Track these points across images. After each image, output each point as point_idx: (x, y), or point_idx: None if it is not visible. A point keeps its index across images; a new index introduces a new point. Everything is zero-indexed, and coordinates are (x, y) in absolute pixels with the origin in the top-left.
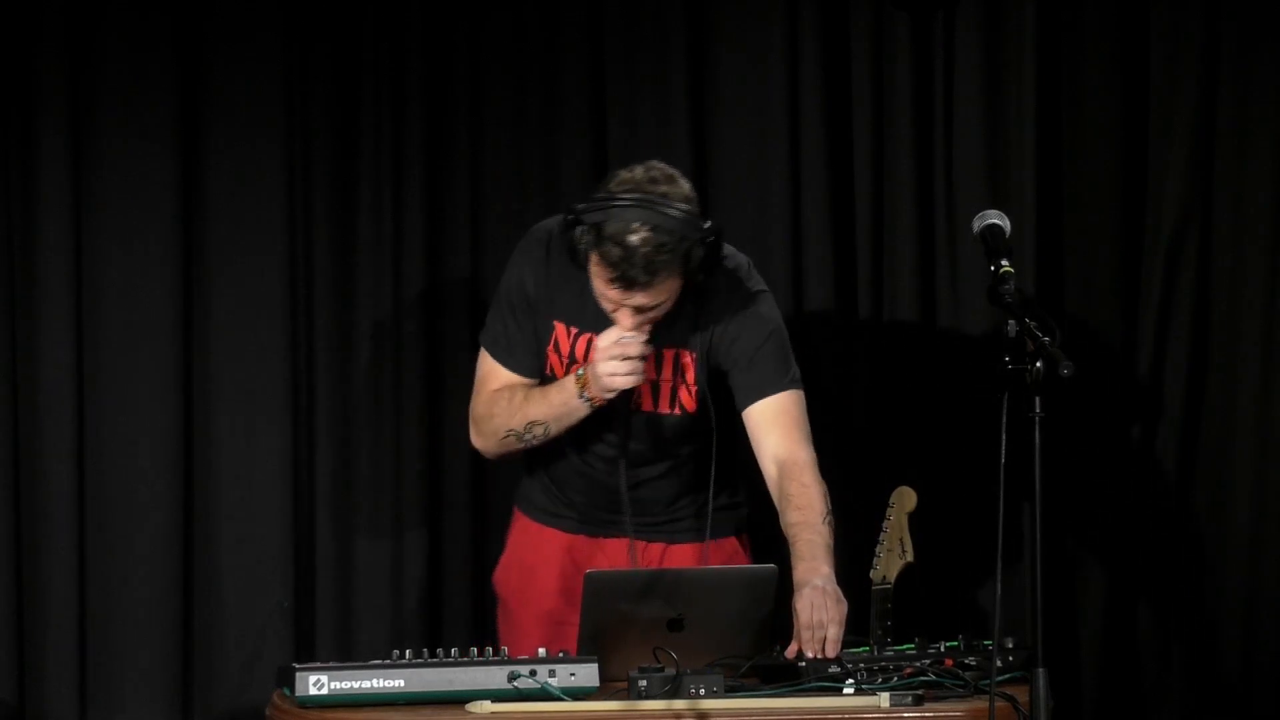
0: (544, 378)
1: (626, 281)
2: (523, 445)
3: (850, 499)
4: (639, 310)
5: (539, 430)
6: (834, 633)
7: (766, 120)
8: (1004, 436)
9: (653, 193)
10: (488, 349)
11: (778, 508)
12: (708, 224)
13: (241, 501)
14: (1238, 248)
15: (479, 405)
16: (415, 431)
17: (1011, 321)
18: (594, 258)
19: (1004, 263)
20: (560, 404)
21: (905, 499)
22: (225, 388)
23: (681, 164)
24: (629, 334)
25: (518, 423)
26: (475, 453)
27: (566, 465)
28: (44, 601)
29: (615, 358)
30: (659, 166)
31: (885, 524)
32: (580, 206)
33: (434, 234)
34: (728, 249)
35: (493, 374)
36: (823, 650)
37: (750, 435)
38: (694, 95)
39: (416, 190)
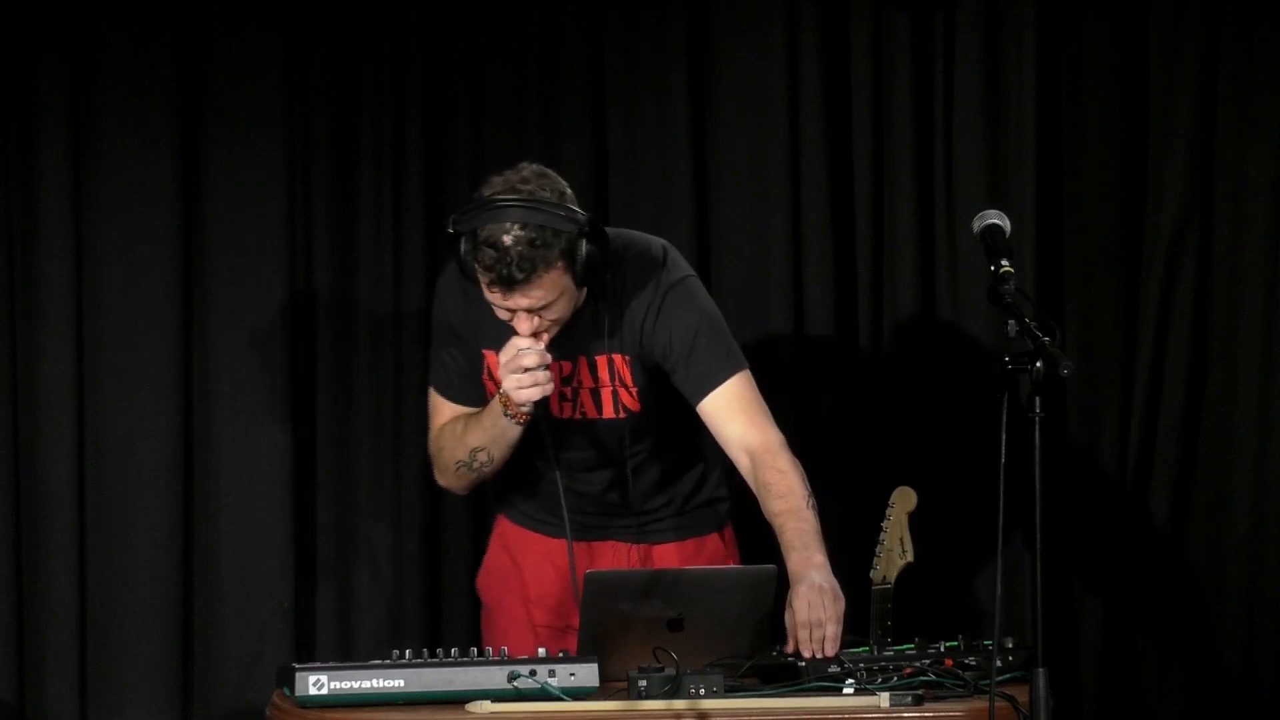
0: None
1: (505, 282)
2: (474, 475)
3: (850, 499)
4: (530, 313)
5: (483, 456)
6: (832, 630)
7: (766, 120)
8: (1004, 436)
9: (521, 190)
10: (431, 384)
11: (757, 496)
12: (583, 215)
13: (241, 501)
14: (1238, 248)
15: (431, 443)
16: (415, 431)
17: (1011, 321)
18: (476, 265)
19: (1004, 263)
20: (491, 426)
21: (905, 499)
22: (225, 388)
23: (681, 164)
24: (525, 344)
25: (462, 453)
26: None
27: (535, 478)
28: (44, 601)
29: (515, 370)
30: (529, 166)
31: (885, 524)
32: (454, 216)
33: (434, 233)
34: (639, 238)
35: (438, 410)
36: (821, 649)
37: (711, 429)
38: (694, 95)
39: (416, 190)
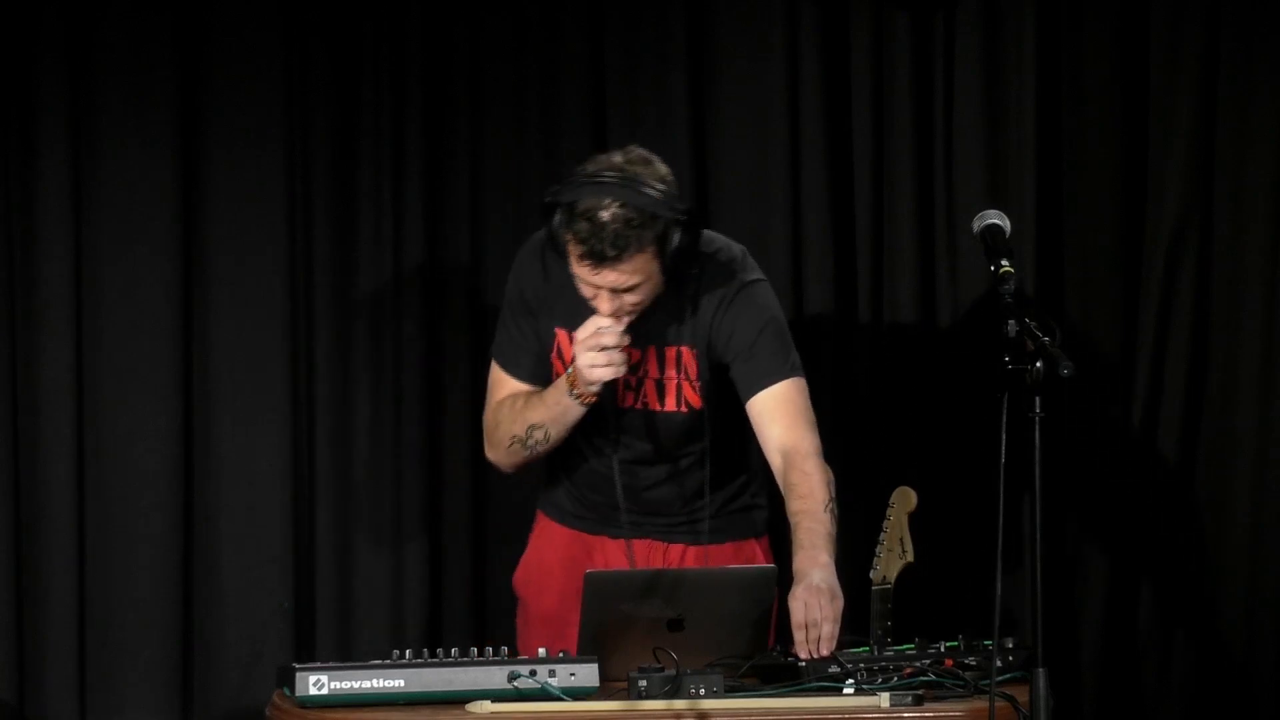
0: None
1: (595, 257)
2: (528, 452)
3: (850, 499)
4: (614, 293)
5: (539, 434)
6: (828, 630)
7: (766, 120)
8: (1004, 436)
9: (626, 171)
10: (494, 358)
11: (784, 496)
12: (683, 205)
13: (241, 501)
14: (1238, 247)
15: (487, 416)
16: (415, 431)
17: (1011, 321)
18: (569, 237)
19: (1004, 263)
20: (554, 404)
21: (905, 499)
22: (225, 388)
23: (681, 164)
24: (605, 323)
25: (519, 428)
26: (476, 452)
27: (584, 468)
28: (44, 601)
29: (592, 349)
30: (637, 150)
31: (885, 524)
32: (554, 188)
33: (434, 233)
34: (721, 239)
35: (499, 383)
36: (817, 649)
37: (754, 426)
38: (694, 95)
39: (416, 189)
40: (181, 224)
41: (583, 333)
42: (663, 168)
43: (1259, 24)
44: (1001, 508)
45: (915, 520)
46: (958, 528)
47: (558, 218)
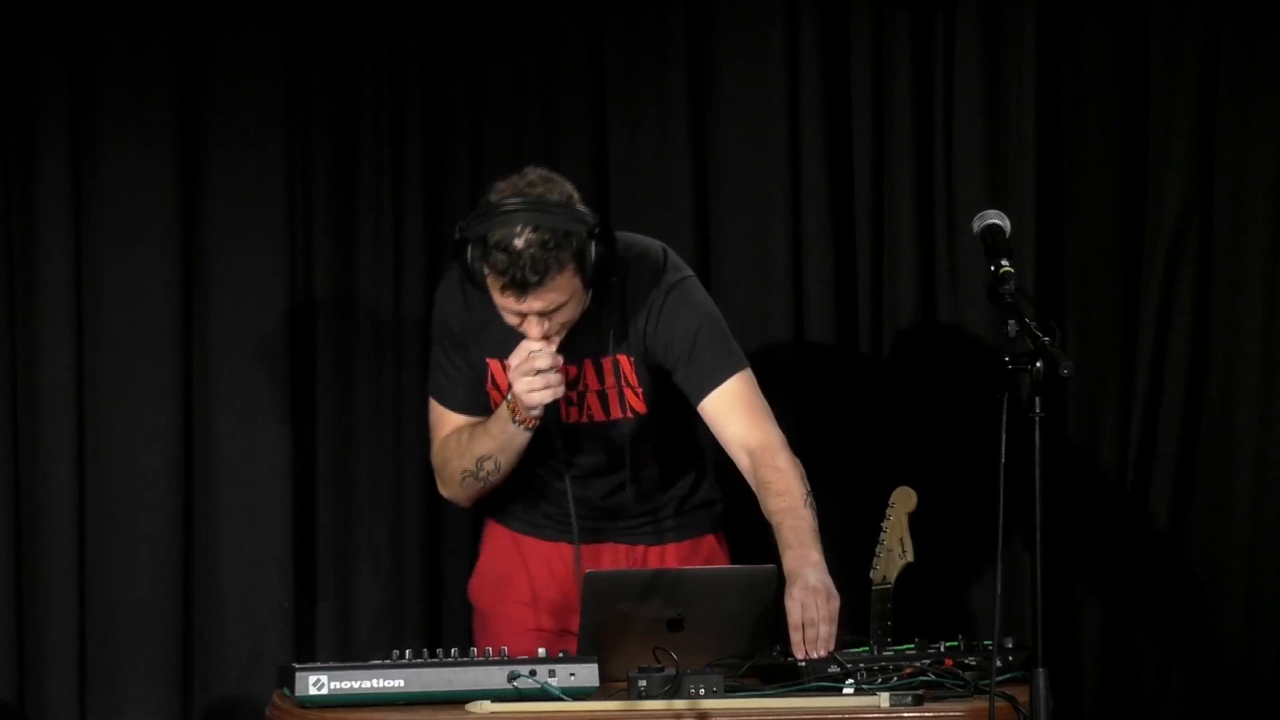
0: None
1: (519, 286)
2: (480, 484)
3: (850, 499)
4: (541, 316)
5: (489, 465)
6: (825, 631)
7: (766, 120)
8: (1004, 436)
9: (529, 194)
10: (432, 395)
11: (757, 494)
12: (593, 217)
13: (241, 501)
14: (1238, 248)
15: (434, 454)
16: (415, 431)
17: (1011, 321)
18: (486, 270)
19: (1004, 263)
20: (499, 433)
21: (905, 499)
22: (225, 388)
23: (681, 164)
24: (536, 347)
25: (469, 462)
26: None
27: (538, 483)
28: (44, 601)
29: (527, 374)
30: (535, 170)
31: (885, 524)
32: (461, 224)
33: (434, 234)
34: (641, 240)
35: (441, 420)
36: (815, 649)
37: (712, 428)
38: (694, 95)
39: (416, 189)
40: (181, 224)
41: (515, 359)
42: (566, 184)
43: (1259, 24)
44: (1001, 508)
45: (915, 520)
46: (958, 528)
47: (471, 253)
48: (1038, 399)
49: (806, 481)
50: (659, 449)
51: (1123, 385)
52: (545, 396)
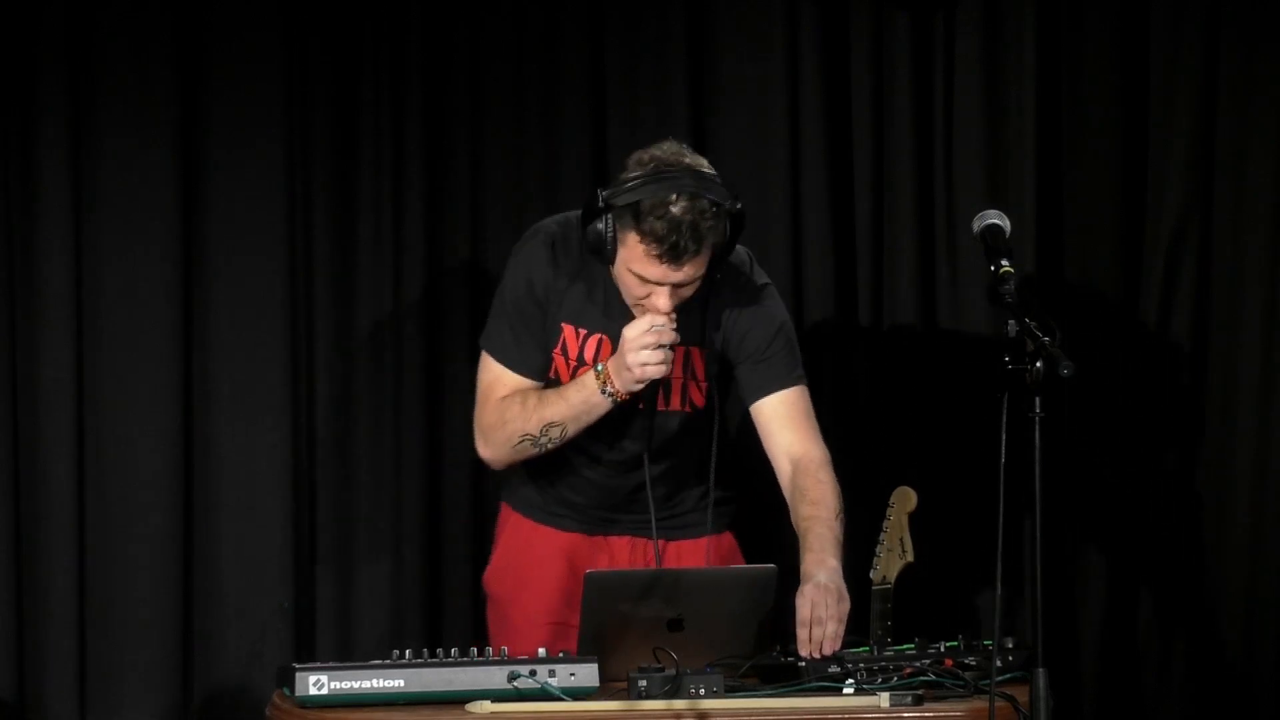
0: (548, 382)
1: (676, 253)
2: (537, 450)
3: (850, 499)
4: (675, 289)
5: (556, 432)
6: (833, 630)
7: (766, 120)
8: (1004, 436)
9: (680, 164)
10: (493, 354)
11: (789, 502)
12: (738, 198)
13: (241, 501)
14: (1238, 247)
15: (487, 414)
16: (415, 431)
17: (1011, 321)
18: (633, 238)
19: (1004, 263)
20: (580, 402)
21: (905, 499)
22: (225, 388)
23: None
24: (660, 321)
25: (533, 426)
26: (475, 452)
27: (566, 466)
28: (44, 601)
29: (648, 346)
30: (670, 143)
31: (885, 524)
32: (607, 192)
33: (434, 234)
34: None
35: (499, 380)
36: (820, 649)
37: (761, 430)
38: (694, 95)
39: (416, 190)
40: (181, 224)
41: (635, 329)
42: (702, 158)
43: (1259, 24)
44: (1001, 508)
45: (915, 520)
46: (958, 528)
47: (617, 220)
48: (1038, 399)
49: (842, 502)
50: (696, 448)
51: (1123, 384)
52: (657, 372)
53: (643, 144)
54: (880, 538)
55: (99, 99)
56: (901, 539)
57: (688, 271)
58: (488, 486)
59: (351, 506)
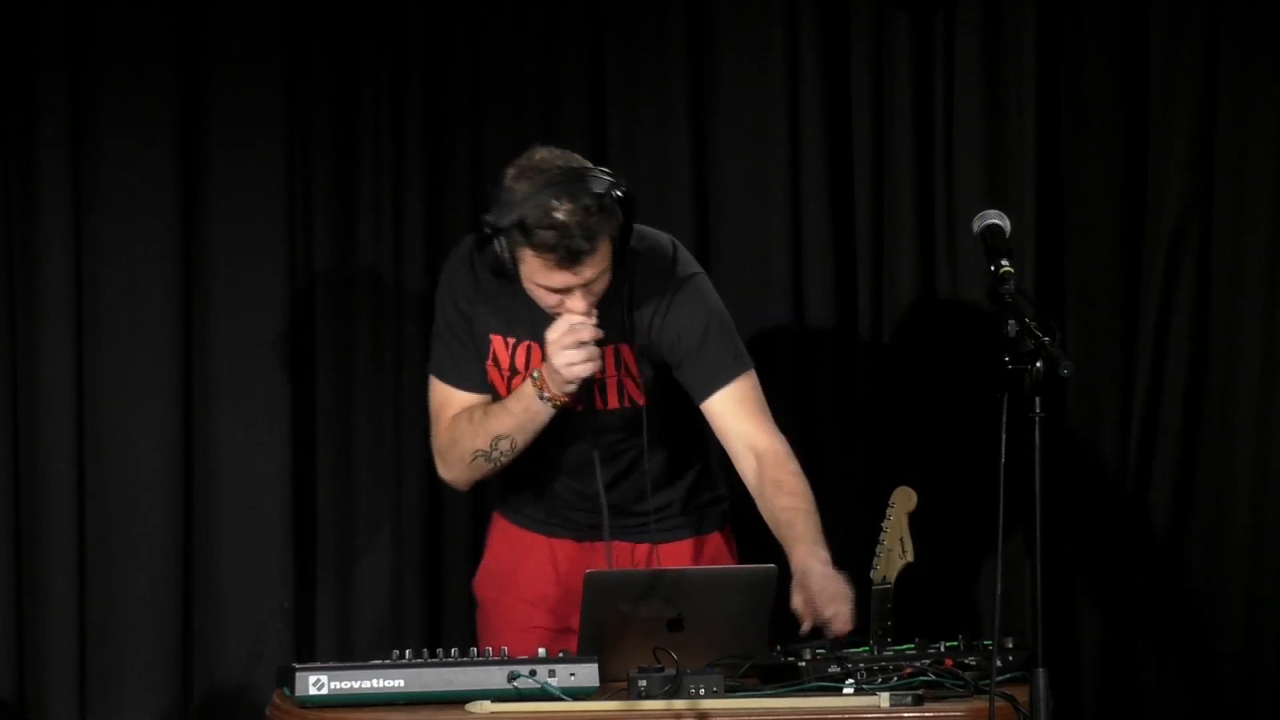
0: (495, 397)
1: (572, 256)
2: (491, 465)
3: (850, 499)
4: (585, 288)
5: (505, 444)
6: (846, 610)
7: (766, 120)
8: (1004, 436)
9: (549, 170)
10: (436, 376)
11: (758, 494)
12: (612, 176)
13: (241, 501)
14: (1238, 247)
15: (440, 436)
16: (415, 431)
17: (1011, 321)
18: (528, 254)
19: (1004, 263)
20: (521, 412)
21: (905, 499)
22: (225, 388)
23: (681, 164)
24: (577, 319)
25: (483, 442)
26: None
27: (543, 474)
28: (44, 601)
29: (569, 346)
30: (540, 150)
31: (885, 524)
32: (487, 218)
33: (434, 234)
34: (650, 232)
35: (447, 401)
36: (836, 629)
37: (715, 426)
38: (694, 95)
39: (416, 190)
40: (181, 224)
41: (555, 331)
42: (573, 154)
43: (1259, 24)
44: (1001, 508)
45: (915, 520)
46: (958, 528)
47: (509, 239)
48: (1038, 399)
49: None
50: (660, 444)
51: (1123, 385)
52: (585, 370)
53: (643, 144)
54: (880, 538)
55: (99, 99)
56: (901, 539)
57: (590, 271)
58: (488, 486)
59: (351, 506)
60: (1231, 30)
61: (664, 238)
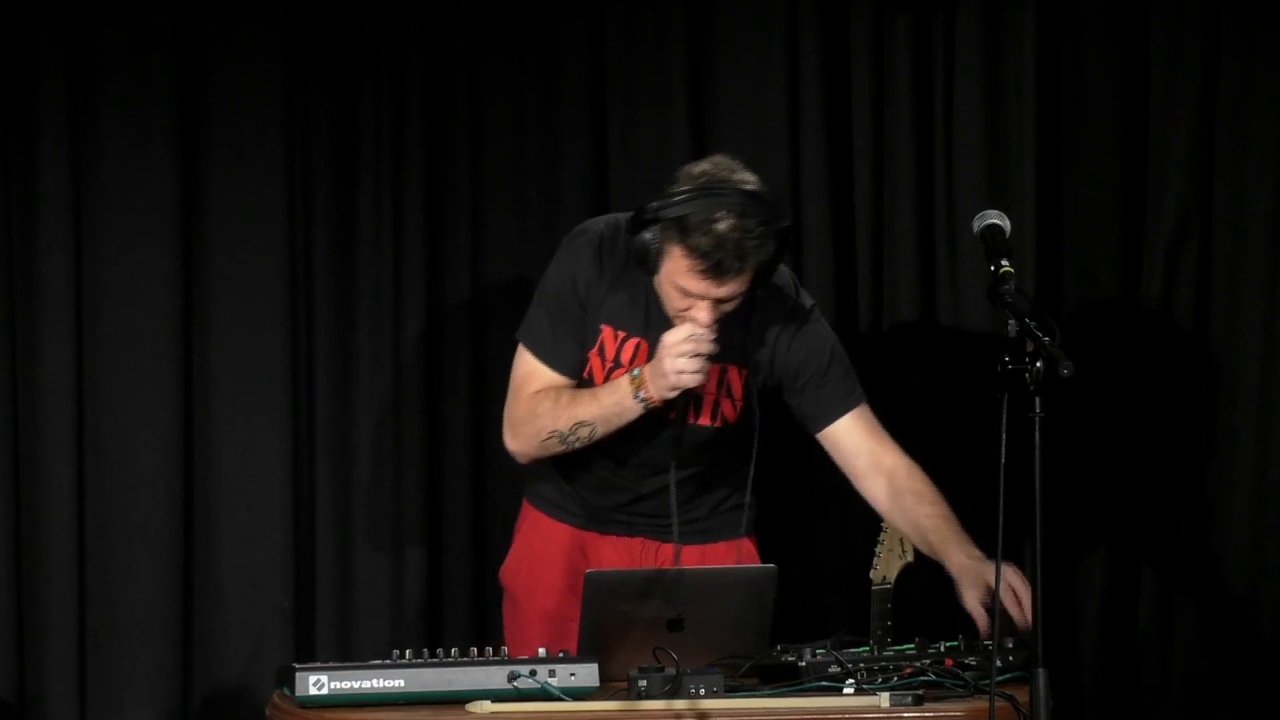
0: (582, 382)
1: (719, 270)
2: (564, 448)
3: (850, 499)
4: (716, 304)
5: (585, 432)
6: (1029, 599)
7: (766, 120)
8: (1004, 436)
9: (730, 180)
10: (530, 349)
11: (895, 507)
12: (788, 214)
13: (241, 501)
14: (1238, 247)
15: (518, 407)
16: (415, 431)
17: (1011, 321)
18: (678, 252)
19: (1004, 263)
20: (612, 405)
21: None
22: (225, 388)
23: (681, 164)
24: (700, 331)
25: (563, 424)
26: (475, 452)
27: (588, 467)
28: (44, 601)
29: (685, 354)
30: (725, 159)
31: (885, 524)
32: (655, 205)
33: (434, 234)
34: None
35: (534, 375)
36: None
37: (837, 453)
38: (694, 95)
39: (416, 190)
40: (182, 224)
41: (674, 336)
42: (753, 175)
43: (1259, 24)
44: (1001, 508)
45: None
46: None
47: (663, 232)
48: (1038, 399)
49: None
50: (720, 459)
51: (1123, 384)
52: (692, 381)
53: (643, 144)
54: (880, 538)
55: (99, 99)
56: (901, 539)
57: (730, 289)
58: (488, 485)
59: (351, 506)
60: (1231, 30)
61: (784, 270)
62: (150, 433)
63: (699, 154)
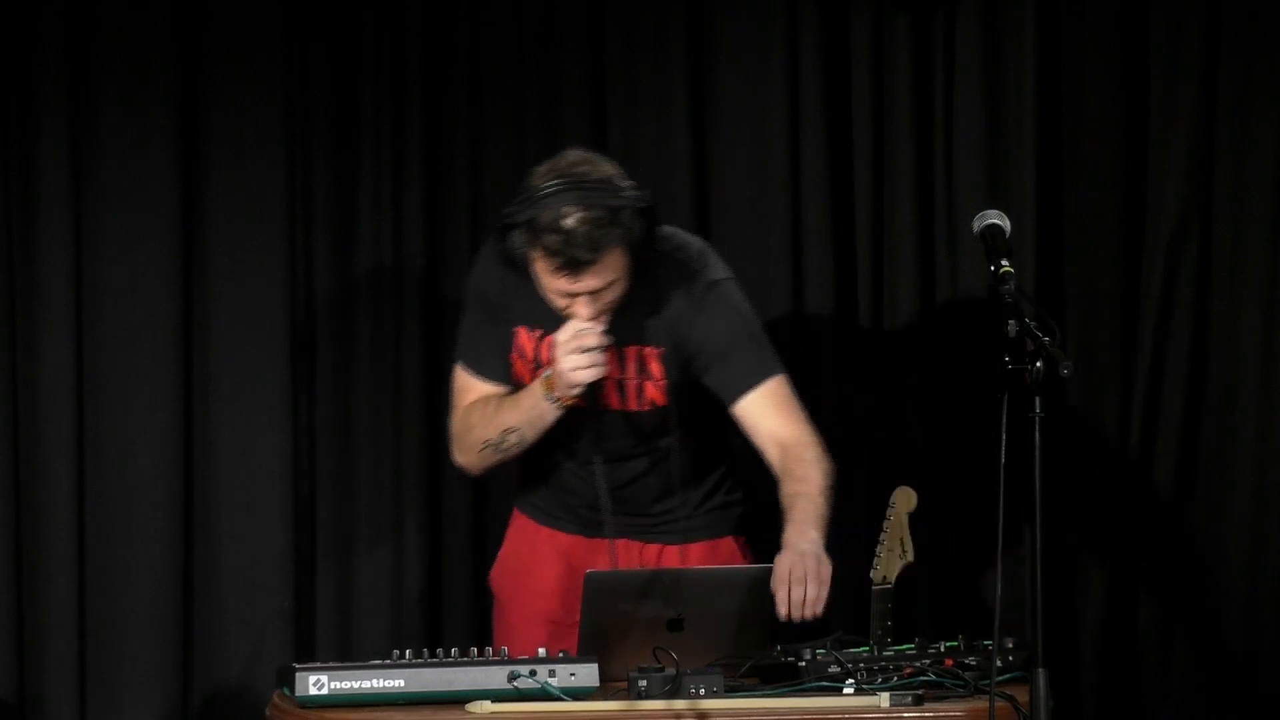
0: (516, 386)
1: (573, 265)
2: (500, 456)
3: (850, 499)
4: (592, 295)
5: (514, 438)
6: (814, 592)
7: (766, 120)
8: (1004, 436)
9: (572, 175)
10: (459, 362)
11: (779, 484)
12: (637, 191)
13: (241, 501)
14: (1238, 247)
15: (456, 421)
16: (415, 431)
17: (1011, 321)
18: (536, 254)
19: (1004, 263)
20: (530, 408)
21: (905, 499)
22: (225, 388)
23: (681, 164)
24: (585, 325)
25: (492, 432)
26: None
27: (558, 469)
28: (44, 601)
29: (574, 351)
30: (575, 151)
31: (885, 524)
32: (506, 210)
33: (434, 234)
34: (680, 235)
35: (468, 387)
36: (801, 611)
37: (746, 428)
38: (694, 95)
39: (416, 190)
40: (182, 224)
41: (562, 335)
42: (606, 163)
43: (1259, 24)
44: (1001, 508)
45: (915, 520)
46: (958, 528)
47: (517, 237)
48: (1038, 399)
49: (830, 480)
50: (681, 445)
51: (1123, 385)
52: (589, 375)
53: (643, 144)
54: (880, 538)
55: (99, 99)
56: (902, 539)
57: (593, 280)
58: (489, 487)
59: (351, 506)
60: (1231, 30)
61: (695, 242)
62: (150, 433)
63: (699, 154)
